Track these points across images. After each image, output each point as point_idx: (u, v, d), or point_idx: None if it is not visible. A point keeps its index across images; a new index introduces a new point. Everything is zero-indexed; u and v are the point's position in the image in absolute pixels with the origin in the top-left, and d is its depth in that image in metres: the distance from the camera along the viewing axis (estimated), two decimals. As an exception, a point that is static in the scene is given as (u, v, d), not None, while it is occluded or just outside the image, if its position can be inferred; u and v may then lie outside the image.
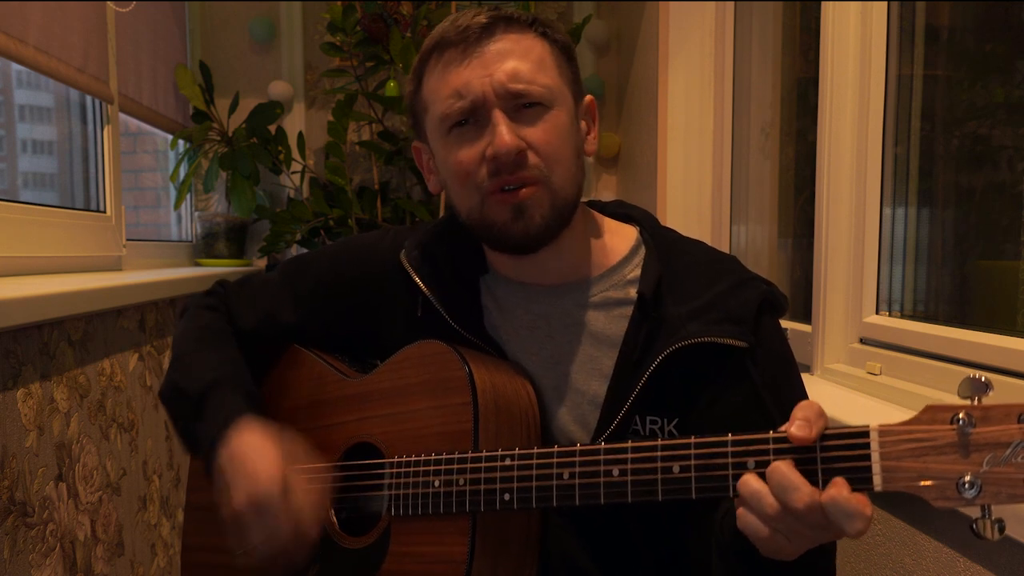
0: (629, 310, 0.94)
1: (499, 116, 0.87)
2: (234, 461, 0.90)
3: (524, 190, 0.88)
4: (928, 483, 0.65)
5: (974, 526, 0.64)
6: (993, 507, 0.64)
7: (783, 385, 0.91)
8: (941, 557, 0.95)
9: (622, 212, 1.05)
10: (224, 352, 1.04)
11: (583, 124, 0.96)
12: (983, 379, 0.64)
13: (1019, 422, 0.63)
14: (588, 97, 0.98)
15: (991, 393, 0.65)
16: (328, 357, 1.07)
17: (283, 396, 1.07)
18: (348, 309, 1.05)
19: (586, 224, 0.99)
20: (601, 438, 0.89)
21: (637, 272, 0.96)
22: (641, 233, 1.00)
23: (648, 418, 0.89)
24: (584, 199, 0.99)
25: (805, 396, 0.94)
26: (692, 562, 0.91)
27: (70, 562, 1.30)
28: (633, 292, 0.94)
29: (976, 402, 0.65)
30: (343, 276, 1.05)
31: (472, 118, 0.89)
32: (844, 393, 1.30)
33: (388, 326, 1.01)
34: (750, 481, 0.69)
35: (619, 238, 1.00)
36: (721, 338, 0.86)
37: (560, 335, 0.96)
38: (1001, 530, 0.64)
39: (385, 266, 1.02)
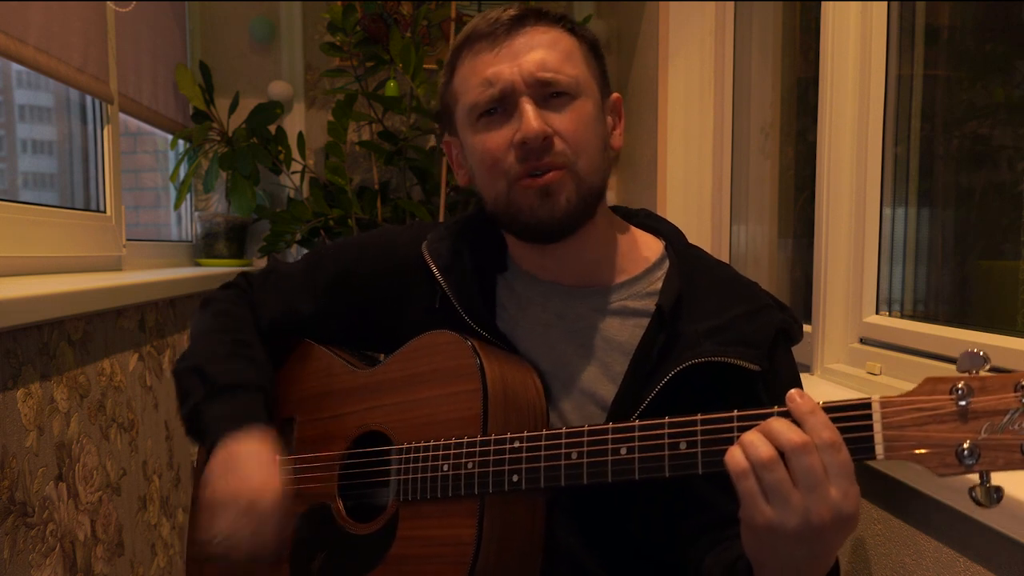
0: (645, 321, 0.95)
1: (526, 103, 0.89)
2: (245, 455, 0.92)
3: (550, 174, 0.89)
4: (928, 451, 0.67)
5: (973, 493, 0.66)
6: (992, 475, 0.65)
7: None
8: (941, 557, 0.95)
9: (650, 224, 1.06)
10: (255, 354, 1.06)
11: (609, 119, 0.98)
12: (980, 353, 0.66)
13: (1016, 391, 0.65)
14: (615, 95, 1.00)
15: (988, 367, 0.66)
16: (339, 351, 1.08)
17: (294, 386, 1.08)
18: (370, 299, 1.06)
19: (611, 225, 1.01)
20: None
21: (658, 285, 0.97)
22: (667, 248, 1.02)
23: None
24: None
25: None
26: (692, 560, 0.91)
27: (70, 562, 1.30)
28: (652, 304, 0.95)
29: (974, 374, 0.67)
30: (366, 267, 1.07)
31: (501, 106, 0.91)
32: (844, 393, 1.30)
33: (407, 317, 1.03)
34: (747, 433, 0.71)
35: (644, 248, 1.02)
36: (735, 359, 0.87)
37: (574, 337, 0.97)
38: (998, 498, 0.65)
39: (407, 258, 1.03)
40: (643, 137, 2.32)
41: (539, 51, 0.91)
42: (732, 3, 2.09)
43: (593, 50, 0.97)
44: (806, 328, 1.49)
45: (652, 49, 2.22)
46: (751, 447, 0.69)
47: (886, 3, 1.37)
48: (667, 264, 0.99)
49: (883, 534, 1.08)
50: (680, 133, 2.15)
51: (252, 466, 0.91)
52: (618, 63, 2.66)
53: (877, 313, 1.39)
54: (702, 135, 2.15)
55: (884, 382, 1.25)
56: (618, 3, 2.66)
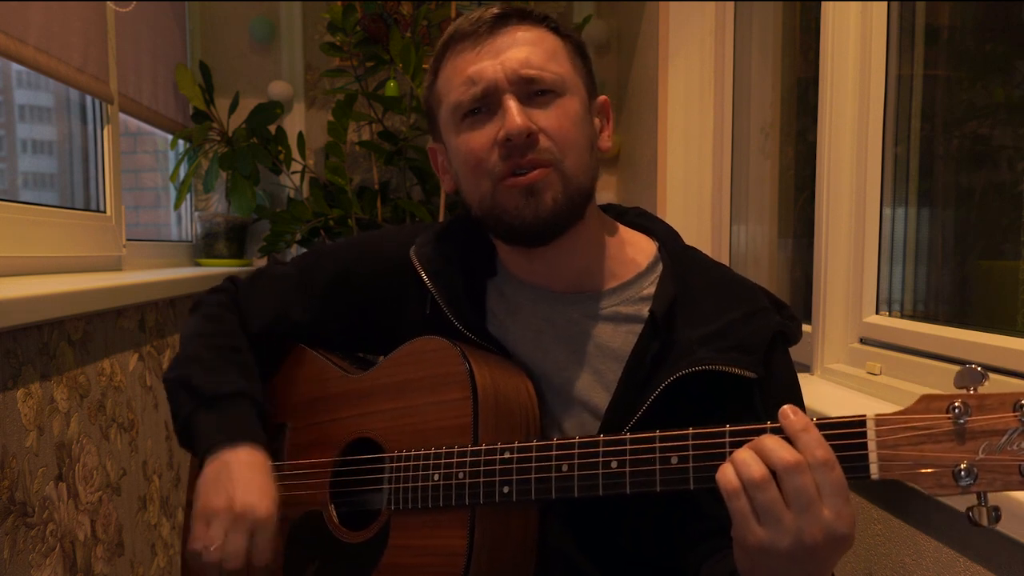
0: (639, 327, 0.93)
1: (510, 100, 0.88)
2: (238, 465, 0.91)
3: (535, 172, 0.87)
4: (924, 471, 0.66)
5: (970, 513, 0.65)
6: (989, 495, 0.64)
7: None
8: (941, 557, 0.95)
9: (642, 224, 1.04)
10: (243, 359, 1.04)
11: (596, 121, 0.97)
12: (979, 369, 0.65)
13: (1015, 410, 0.63)
14: (602, 97, 0.98)
15: (986, 383, 0.65)
16: (331, 355, 1.07)
17: (286, 393, 1.07)
18: (360, 304, 1.05)
19: (602, 227, 0.99)
20: None
21: (651, 290, 0.95)
22: (660, 250, 0.99)
23: None
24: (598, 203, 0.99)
25: None
26: (689, 567, 0.91)
27: (70, 562, 1.30)
28: (645, 310, 0.93)
29: (972, 391, 0.65)
30: (365, 267, 1.05)
31: (484, 105, 0.90)
32: (844, 393, 1.30)
33: (398, 322, 1.01)
34: (739, 451, 0.70)
35: (637, 251, 1.00)
36: (729, 367, 0.85)
37: (566, 343, 0.96)
38: (996, 518, 0.64)
39: (397, 262, 1.02)
40: (643, 137, 2.32)
41: (522, 48, 0.89)
42: (732, 3, 2.09)
43: (579, 50, 0.95)
44: (806, 328, 1.49)
45: (652, 49, 2.22)
46: (743, 466, 0.68)
47: (886, 3, 1.37)
48: (660, 268, 0.97)
49: (883, 534, 1.08)
50: (680, 133, 2.15)
51: (245, 477, 0.90)
52: (618, 63, 2.66)
53: (877, 313, 1.39)
54: (702, 135, 2.15)
55: (884, 382, 1.25)
56: (618, 3, 2.66)
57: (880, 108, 1.37)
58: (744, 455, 0.69)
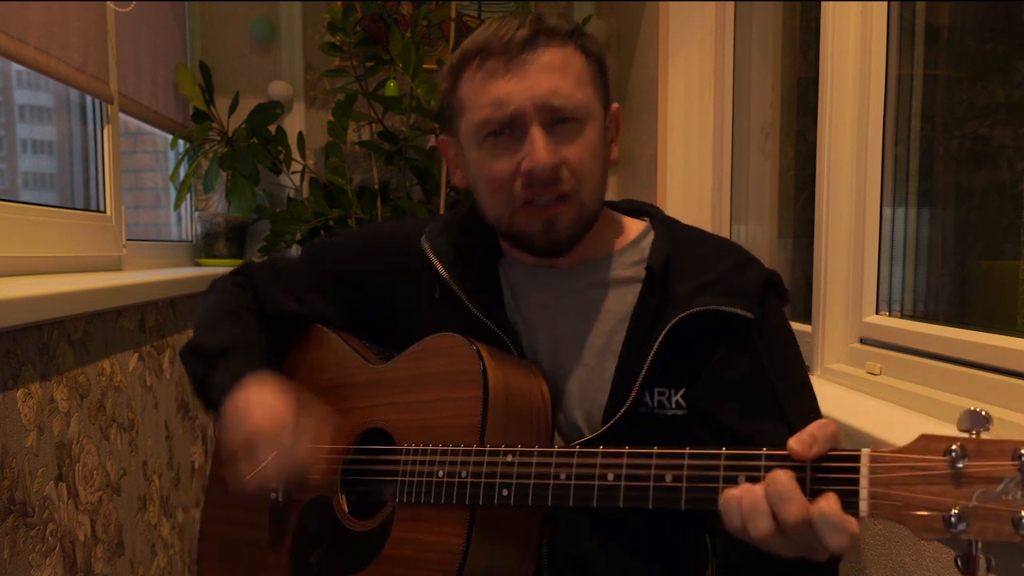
0: (638, 287, 0.97)
1: (537, 132, 0.90)
2: (237, 407, 0.94)
3: (554, 208, 0.92)
4: (915, 513, 0.64)
5: (958, 563, 0.62)
6: (981, 543, 0.62)
7: (787, 358, 0.95)
8: (941, 557, 0.95)
9: (632, 208, 1.10)
10: (245, 323, 1.08)
11: (609, 132, 1.00)
12: (983, 413, 0.63)
13: (1013, 459, 0.61)
14: (614, 105, 1.01)
15: (991, 427, 0.63)
16: (352, 341, 1.09)
17: (304, 376, 1.09)
18: (371, 294, 1.08)
19: (602, 220, 1.02)
20: (613, 419, 0.91)
21: (646, 253, 0.99)
22: (651, 220, 1.05)
23: (656, 390, 0.92)
24: None
25: (805, 375, 0.98)
26: (695, 556, 0.91)
27: (70, 562, 1.30)
28: (642, 270, 0.96)
29: (974, 435, 0.63)
30: (367, 261, 1.08)
31: (509, 129, 0.92)
32: (844, 393, 1.30)
33: (410, 309, 1.04)
34: (752, 488, 0.69)
35: (629, 225, 1.05)
36: (728, 307, 0.89)
37: (572, 314, 0.99)
38: (987, 568, 0.62)
39: (407, 251, 1.05)
40: (643, 137, 2.32)
41: (551, 76, 0.90)
42: (732, 3, 2.09)
43: (599, 66, 0.97)
44: (806, 328, 1.49)
45: (652, 49, 2.22)
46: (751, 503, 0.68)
47: (886, 3, 1.37)
48: (653, 233, 1.02)
49: (883, 534, 1.08)
50: (680, 133, 2.15)
51: (254, 407, 0.93)
52: (618, 63, 2.66)
53: (877, 313, 1.39)
54: (702, 135, 2.15)
55: (884, 382, 1.25)
56: (618, 3, 2.66)
57: (880, 108, 1.37)
58: (760, 521, 0.68)
